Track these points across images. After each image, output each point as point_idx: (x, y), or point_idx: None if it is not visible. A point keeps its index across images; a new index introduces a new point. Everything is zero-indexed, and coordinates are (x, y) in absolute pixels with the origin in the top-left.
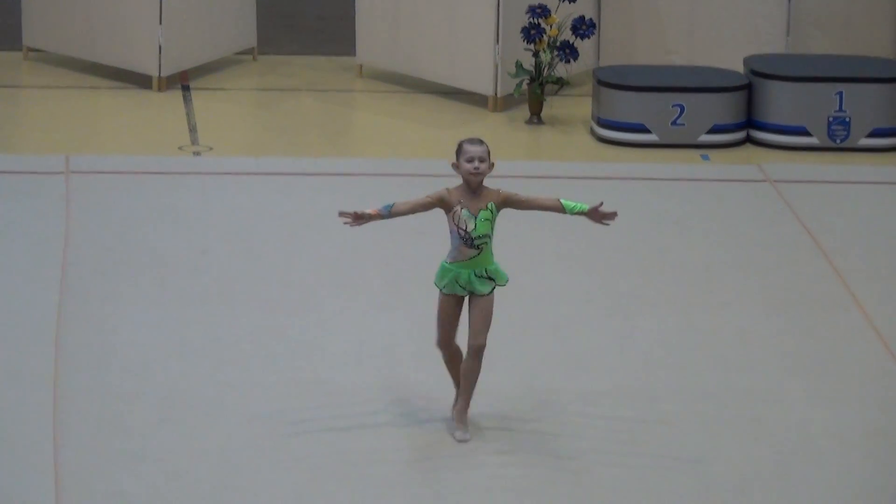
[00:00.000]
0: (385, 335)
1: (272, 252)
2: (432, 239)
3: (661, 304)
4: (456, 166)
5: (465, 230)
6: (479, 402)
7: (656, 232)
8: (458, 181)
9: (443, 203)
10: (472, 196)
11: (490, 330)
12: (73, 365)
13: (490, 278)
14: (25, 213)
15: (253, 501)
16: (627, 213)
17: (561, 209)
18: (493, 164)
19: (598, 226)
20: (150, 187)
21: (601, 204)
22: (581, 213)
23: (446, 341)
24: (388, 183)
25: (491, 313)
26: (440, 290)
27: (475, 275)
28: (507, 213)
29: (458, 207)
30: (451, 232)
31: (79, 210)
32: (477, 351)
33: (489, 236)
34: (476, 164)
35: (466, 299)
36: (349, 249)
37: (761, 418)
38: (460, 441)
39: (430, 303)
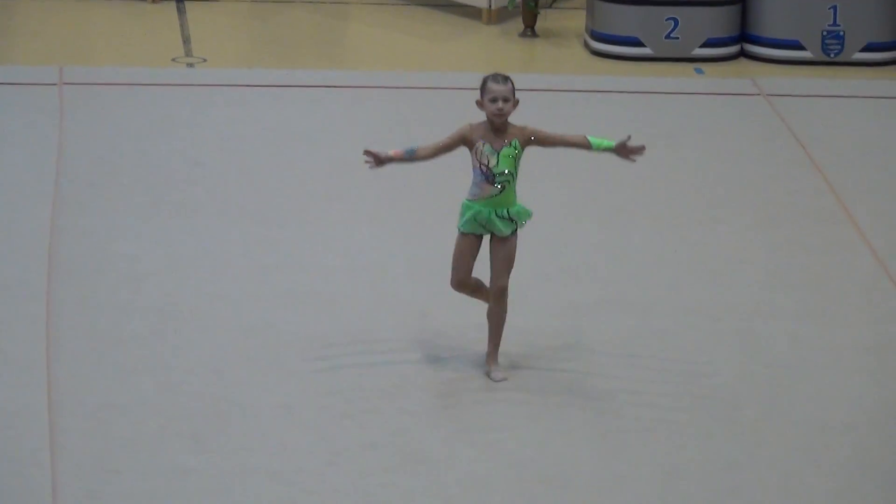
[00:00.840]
0: (378, 247)
1: (265, 164)
2: None
3: (653, 218)
4: (480, 104)
5: (487, 166)
6: (472, 316)
7: (649, 145)
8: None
9: (465, 141)
10: (496, 133)
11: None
12: (66, 277)
13: (511, 219)
14: (19, 124)
15: (246, 413)
16: (620, 126)
17: (588, 146)
18: (517, 101)
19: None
20: (144, 99)
21: (629, 138)
22: (608, 149)
23: (462, 282)
24: (382, 95)
25: (513, 256)
26: (459, 229)
27: (496, 214)
28: None
29: (481, 143)
30: (473, 168)
31: (72, 122)
32: (499, 293)
33: (512, 174)
34: (500, 104)
35: (487, 241)
36: (342, 162)
37: (753, 332)
38: (498, 381)
39: (422, 216)
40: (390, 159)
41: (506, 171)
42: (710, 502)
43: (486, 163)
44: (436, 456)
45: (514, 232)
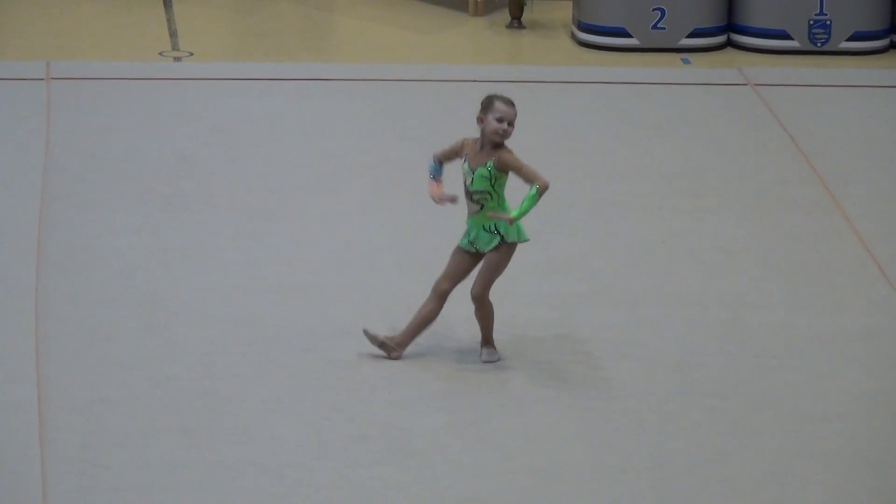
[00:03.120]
0: (366, 240)
1: (253, 157)
2: (413, 144)
3: (641, 208)
4: (481, 120)
5: (465, 184)
6: (460, 309)
7: (637, 136)
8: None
9: (457, 154)
10: (480, 151)
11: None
12: (55, 271)
13: (497, 233)
14: (6, 119)
15: (235, 406)
16: (608, 117)
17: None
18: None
19: (579, 132)
20: (131, 93)
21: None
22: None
23: (442, 289)
24: (369, 88)
25: (496, 268)
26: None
27: (483, 229)
28: None
29: (463, 161)
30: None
31: (60, 116)
32: (475, 301)
33: (489, 193)
34: (506, 125)
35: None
36: (330, 154)
37: (742, 322)
38: (485, 362)
39: (410, 209)
40: (441, 192)
41: (480, 190)
42: (700, 492)
43: (464, 181)
44: (425, 448)
45: (500, 245)
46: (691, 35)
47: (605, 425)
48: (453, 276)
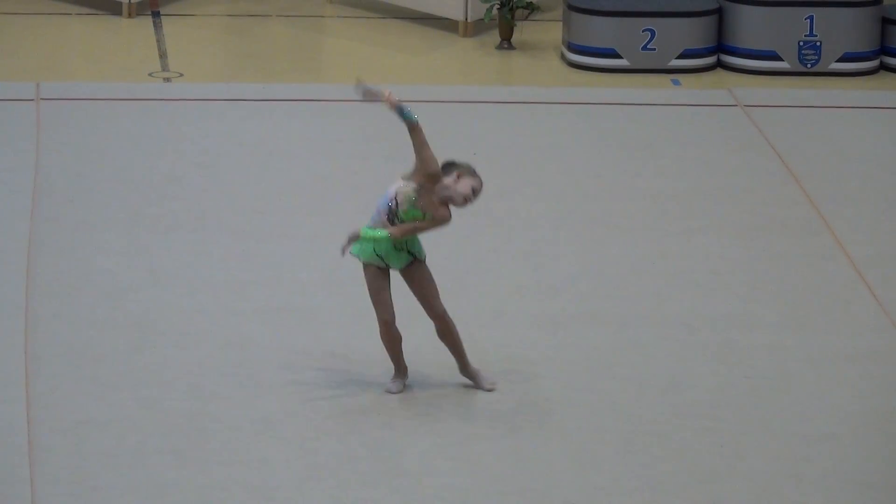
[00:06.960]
0: (356, 261)
1: (243, 178)
2: (402, 165)
3: (632, 230)
4: (458, 177)
5: (397, 206)
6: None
7: (627, 157)
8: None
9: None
10: (433, 199)
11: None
12: (45, 293)
13: (409, 252)
14: None
15: (225, 428)
16: (597, 138)
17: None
18: None
19: (568, 153)
20: (121, 114)
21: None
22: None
23: (392, 315)
24: (359, 109)
25: (433, 280)
26: (360, 258)
27: (394, 247)
28: (485, 144)
29: (412, 189)
30: (384, 196)
31: (49, 137)
32: (441, 317)
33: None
34: (473, 199)
35: (394, 274)
36: (320, 176)
37: (732, 343)
38: (489, 390)
39: None
40: (385, 99)
41: (403, 220)
42: None
43: (398, 205)
44: (415, 469)
45: (414, 262)
46: (681, 56)
47: (595, 447)
48: (388, 294)
